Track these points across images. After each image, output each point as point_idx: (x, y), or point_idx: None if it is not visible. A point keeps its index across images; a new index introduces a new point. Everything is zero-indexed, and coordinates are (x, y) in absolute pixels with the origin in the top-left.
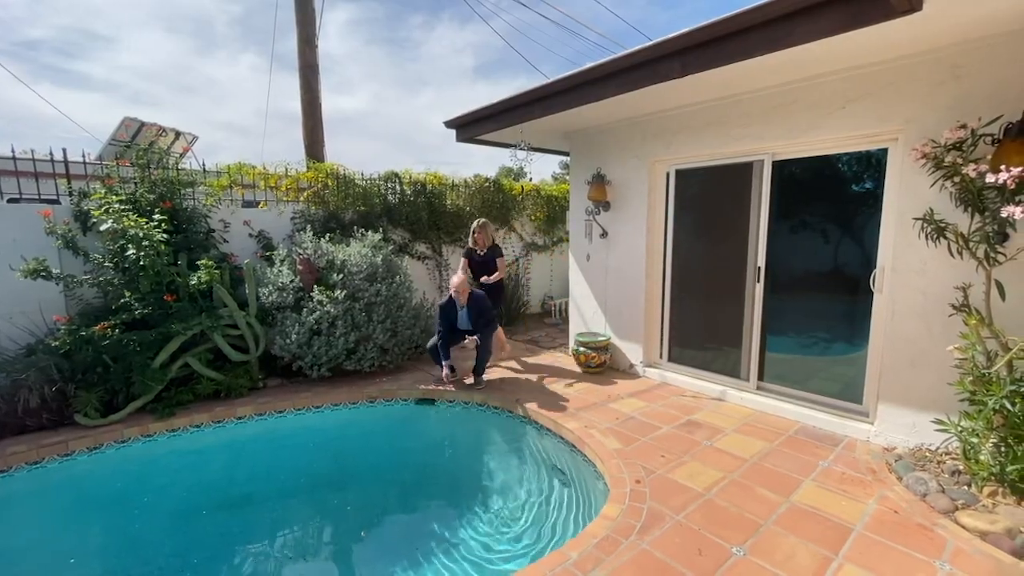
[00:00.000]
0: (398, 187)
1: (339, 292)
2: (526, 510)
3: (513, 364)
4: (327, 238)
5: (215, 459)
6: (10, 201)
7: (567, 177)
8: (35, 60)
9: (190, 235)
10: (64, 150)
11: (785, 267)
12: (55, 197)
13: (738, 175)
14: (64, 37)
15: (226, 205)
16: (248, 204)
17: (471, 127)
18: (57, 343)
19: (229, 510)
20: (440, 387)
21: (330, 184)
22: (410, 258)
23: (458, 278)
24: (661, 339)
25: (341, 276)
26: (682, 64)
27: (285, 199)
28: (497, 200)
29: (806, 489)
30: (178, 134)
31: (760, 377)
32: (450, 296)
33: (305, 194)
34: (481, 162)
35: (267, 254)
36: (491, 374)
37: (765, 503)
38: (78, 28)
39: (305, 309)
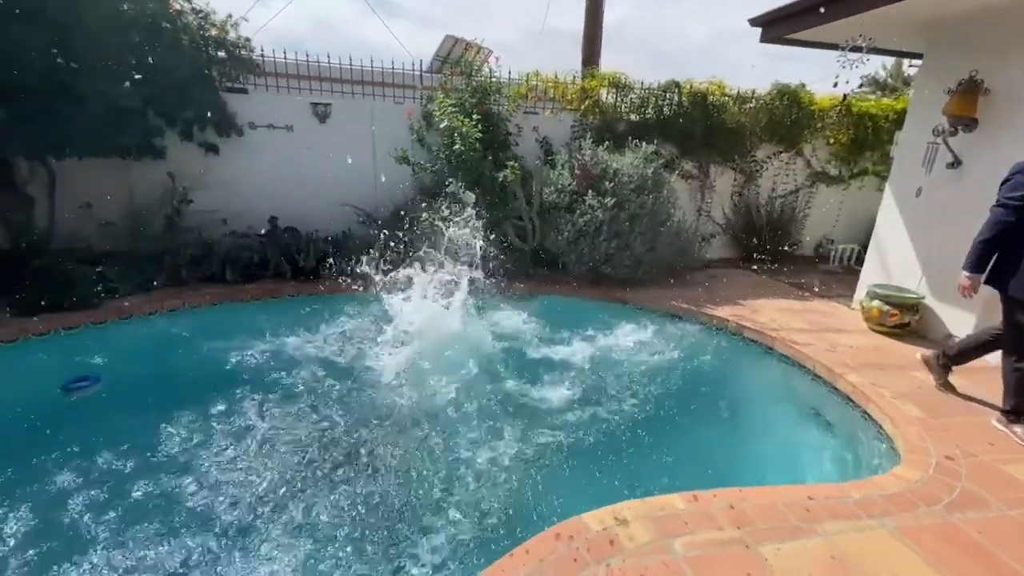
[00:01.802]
0: (675, 98)
1: (609, 199)
2: (772, 441)
3: (777, 303)
4: (604, 146)
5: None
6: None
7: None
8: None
9: (495, 136)
10: (420, 62)
11: None
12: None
13: None
14: None
15: (521, 112)
16: (529, 112)
17: (788, 21)
18: (416, 214)
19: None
20: (692, 307)
21: (608, 93)
22: (675, 176)
23: None
24: None
25: (612, 184)
26: None
27: (569, 107)
28: (788, 117)
29: None
30: (479, 49)
31: None
32: None
33: (586, 103)
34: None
35: (549, 158)
36: (738, 310)
37: None
38: None
39: (577, 211)
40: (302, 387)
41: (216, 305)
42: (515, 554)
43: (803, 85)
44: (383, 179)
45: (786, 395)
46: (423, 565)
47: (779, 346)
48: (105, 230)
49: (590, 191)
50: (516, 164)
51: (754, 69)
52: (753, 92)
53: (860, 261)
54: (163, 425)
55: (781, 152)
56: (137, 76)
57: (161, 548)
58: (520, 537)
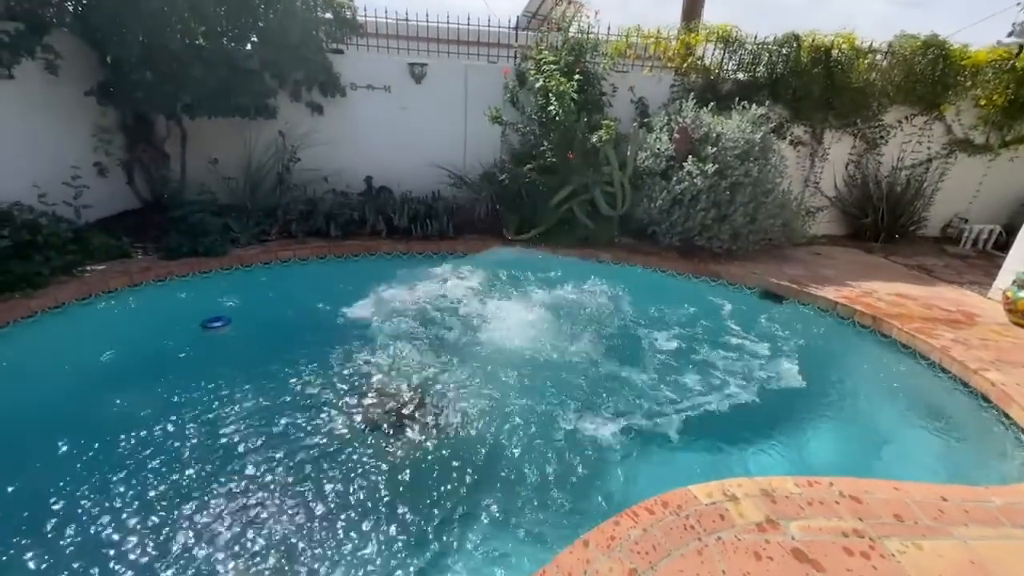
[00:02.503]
0: (793, 53)
1: (709, 165)
2: (886, 438)
3: (894, 286)
4: (707, 108)
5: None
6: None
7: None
8: None
9: (588, 96)
10: (516, 19)
11: None
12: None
13: None
14: None
15: (616, 71)
16: (623, 71)
17: None
18: (503, 176)
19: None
20: (794, 285)
21: (714, 50)
22: (782, 142)
23: None
24: None
25: (714, 150)
26: None
27: (669, 65)
28: (931, 73)
29: None
30: (570, 2)
31: None
32: None
33: (688, 60)
34: (863, 27)
35: (645, 120)
36: (846, 292)
37: None
38: None
39: (674, 178)
40: (408, 335)
41: (323, 258)
42: (621, 520)
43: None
44: (472, 141)
45: (905, 389)
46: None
47: (897, 334)
48: (228, 184)
49: (689, 157)
50: (611, 125)
51: (875, 19)
52: (890, 45)
53: (1001, 245)
54: (287, 366)
55: (915, 116)
56: (254, 39)
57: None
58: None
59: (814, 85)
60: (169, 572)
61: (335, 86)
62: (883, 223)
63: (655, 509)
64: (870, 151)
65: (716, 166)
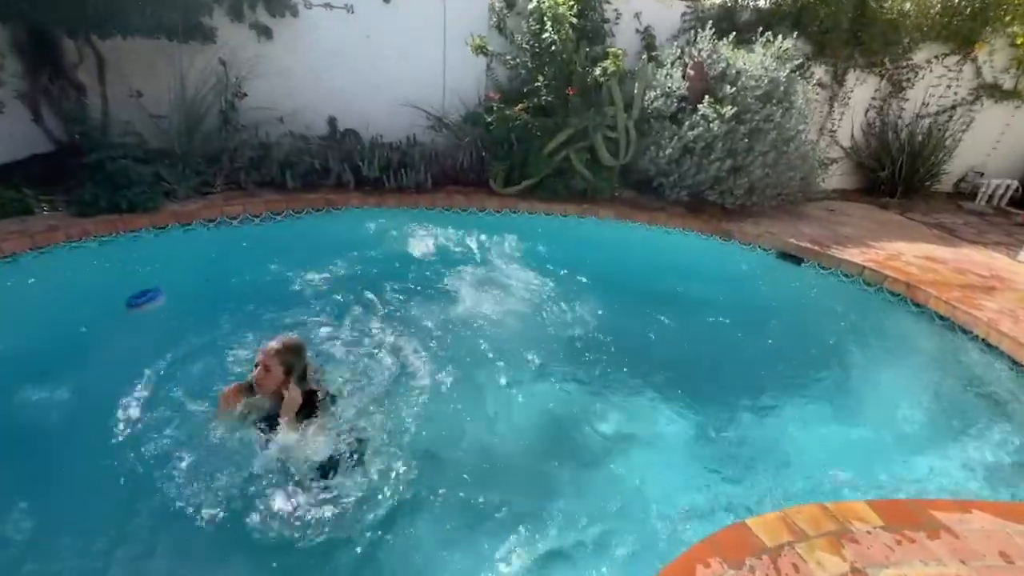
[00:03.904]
0: None
1: (727, 108)
2: (931, 431)
3: (919, 247)
4: (726, 40)
5: (569, 244)
6: None
7: None
8: None
9: (589, 22)
10: None
11: None
12: None
13: None
14: None
15: None
16: None
17: None
18: (490, 118)
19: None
20: (814, 247)
21: None
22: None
23: None
24: None
25: (733, 90)
26: None
27: None
28: (970, 3)
29: None
30: None
31: None
32: None
33: None
34: None
35: (652, 54)
36: (871, 254)
37: None
38: None
39: (686, 123)
40: (375, 304)
41: (278, 214)
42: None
43: None
44: (452, 76)
45: (952, 369)
46: None
47: (934, 304)
48: (159, 124)
49: (705, 97)
50: (619, 54)
51: None
52: None
53: (1016, 200)
54: (232, 344)
55: (947, 55)
56: None
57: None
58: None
59: (843, 15)
60: None
61: (282, 2)
62: (900, 177)
63: (711, 562)
64: (895, 95)
65: (734, 109)
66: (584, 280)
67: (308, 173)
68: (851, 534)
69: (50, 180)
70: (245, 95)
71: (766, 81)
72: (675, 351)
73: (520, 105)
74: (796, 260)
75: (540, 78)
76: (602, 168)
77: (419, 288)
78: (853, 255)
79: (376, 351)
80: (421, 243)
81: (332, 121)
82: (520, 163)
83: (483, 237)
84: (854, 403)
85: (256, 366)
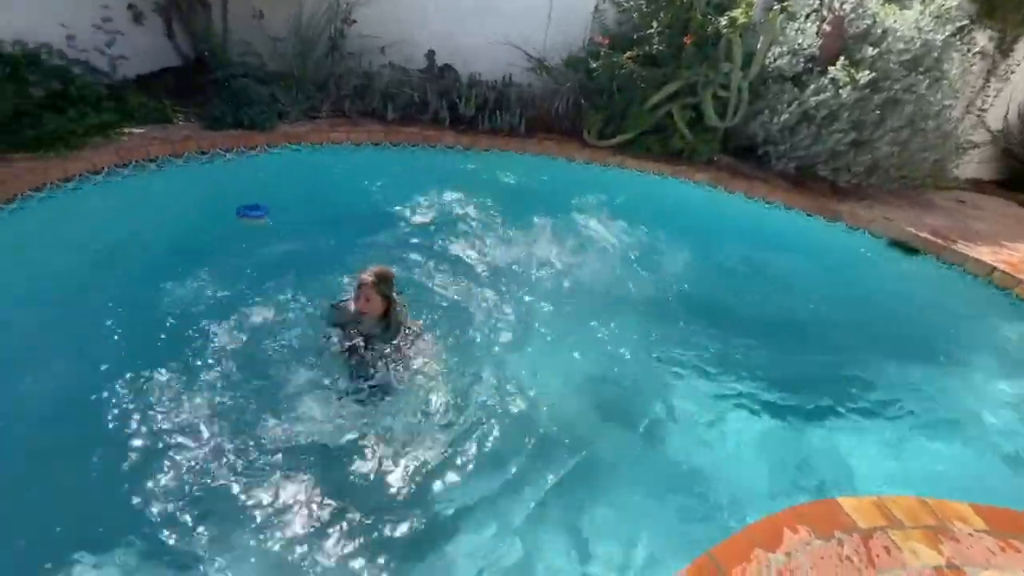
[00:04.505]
0: None
1: (863, 73)
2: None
3: None
4: None
5: (658, 205)
6: None
7: None
8: None
9: None
10: None
11: None
12: None
13: None
14: None
15: None
16: None
17: None
18: (595, 64)
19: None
20: (935, 239)
21: None
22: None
23: None
24: None
25: (875, 52)
26: None
27: None
28: None
29: None
30: None
31: None
32: None
33: None
34: None
35: (783, 4)
36: (1004, 255)
37: None
38: None
39: (811, 87)
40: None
41: (378, 145)
42: (755, 535)
43: None
44: (558, 15)
45: None
46: None
47: None
48: (275, 47)
49: (839, 59)
50: (751, 4)
51: None
52: None
53: None
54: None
55: None
56: None
57: None
58: None
59: None
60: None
61: None
62: None
63: (798, 527)
64: None
65: (871, 75)
66: (669, 246)
67: (407, 106)
68: (951, 532)
69: (182, 93)
70: (355, 21)
71: (917, 44)
72: (760, 329)
73: (629, 53)
74: (912, 250)
75: (654, 24)
76: (705, 129)
77: (499, 235)
78: (982, 253)
79: (449, 290)
80: (508, 189)
81: (431, 55)
82: (619, 115)
83: (571, 189)
84: (959, 415)
85: (356, 297)
